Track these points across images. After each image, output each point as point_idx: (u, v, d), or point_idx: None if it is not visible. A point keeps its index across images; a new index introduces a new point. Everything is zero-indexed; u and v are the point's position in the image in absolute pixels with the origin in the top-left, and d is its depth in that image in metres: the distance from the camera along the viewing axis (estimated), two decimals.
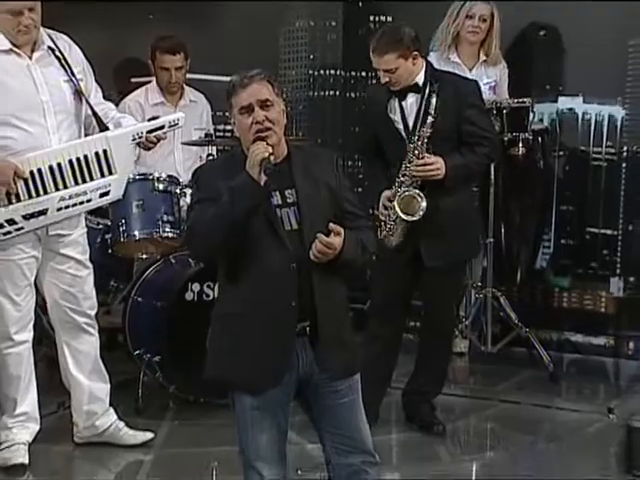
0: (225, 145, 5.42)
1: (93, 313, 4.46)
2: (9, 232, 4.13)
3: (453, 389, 5.35)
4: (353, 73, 6.80)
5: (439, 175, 4.52)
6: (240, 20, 6.57)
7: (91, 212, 4.68)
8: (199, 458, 4.34)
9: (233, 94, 3.34)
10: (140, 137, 4.31)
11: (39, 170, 4.14)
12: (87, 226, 4.52)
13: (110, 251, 5.21)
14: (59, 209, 4.18)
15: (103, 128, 4.31)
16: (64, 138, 4.23)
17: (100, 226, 5.21)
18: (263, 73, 3.35)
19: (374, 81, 4.60)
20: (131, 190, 4.88)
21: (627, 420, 5.03)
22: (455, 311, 5.20)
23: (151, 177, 5.15)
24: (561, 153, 6.28)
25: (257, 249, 3.29)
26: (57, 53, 4.27)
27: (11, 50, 4.17)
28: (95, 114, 4.33)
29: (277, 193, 3.34)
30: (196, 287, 4.91)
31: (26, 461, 4.26)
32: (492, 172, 5.71)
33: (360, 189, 5.89)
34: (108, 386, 4.51)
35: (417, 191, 4.52)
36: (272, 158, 3.25)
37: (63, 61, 4.28)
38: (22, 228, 4.14)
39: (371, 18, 6.77)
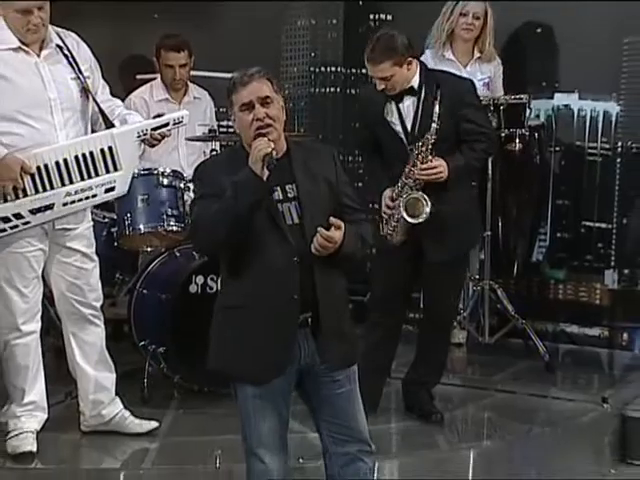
0: (228, 141, 5.42)
1: (99, 305, 4.46)
2: (16, 226, 4.14)
3: (451, 379, 5.36)
4: (353, 70, 6.81)
5: (442, 178, 4.53)
6: (243, 18, 6.58)
7: (97, 206, 4.68)
8: (203, 446, 4.34)
9: (234, 92, 3.35)
10: (145, 134, 4.31)
11: (46, 166, 4.14)
12: (93, 220, 4.52)
13: (116, 244, 5.22)
14: (65, 204, 4.19)
15: (109, 125, 4.32)
16: (71, 134, 4.24)
17: (106, 220, 5.22)
18: (263, 71, 3.36)
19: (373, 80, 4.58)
20: (136, 185, 4.89)
21: (621, 409, 5.06)
22: (455, 304, 5.19)
23: (156, 172, 5.16)
24: (557, 148, 6.29)
25: (259, 243, 3.30)
26: (65, 51, 4.27)
27: (20, 48, 4.17)
28: (101, 111, 4.34)
29: (278, 188, 3.36)
30: (200, 280, 4.92)
31: (34, 449, 4.26)
32: (489, 167, 5.71)
33: (360, 184, 5.90)
34: (114, 376, 4.51)
35: (423, 195, 4.52)
36: (274, 154, 3.27)
37: (71, 59, 4.27)
38: (29, 222, 4.15)
39: (371, 17, 6.78)
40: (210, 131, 5.38)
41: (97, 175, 4.23)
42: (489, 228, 5.83)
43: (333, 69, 6.90)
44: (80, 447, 4.47)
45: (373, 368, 4.56)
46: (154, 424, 4.54)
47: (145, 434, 4.49)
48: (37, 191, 4.14)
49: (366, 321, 4.82)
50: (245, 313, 3.33)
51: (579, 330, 6.25)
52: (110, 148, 4.24)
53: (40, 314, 4.35)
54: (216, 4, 6.53)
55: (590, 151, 6.22)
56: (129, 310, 5.19)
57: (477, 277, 5.98)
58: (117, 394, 4.52)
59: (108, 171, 4.25)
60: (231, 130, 5.26)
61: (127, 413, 4.53)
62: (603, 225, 6.23)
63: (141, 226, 5.12)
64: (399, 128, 4.62)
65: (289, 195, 3.36)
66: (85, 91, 4.31)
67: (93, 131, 4.37)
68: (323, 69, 6.91)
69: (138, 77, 6.17)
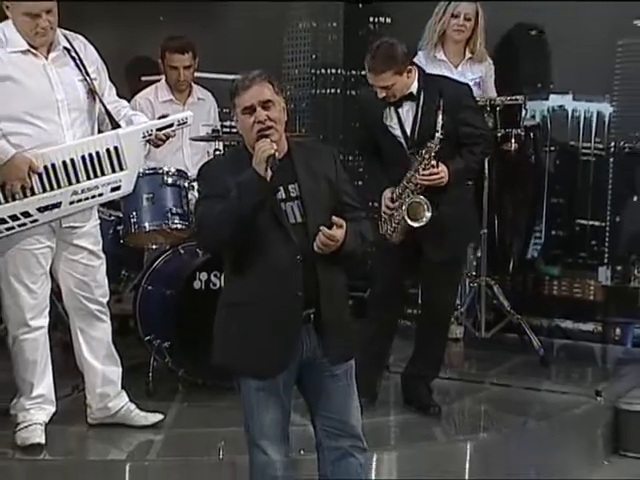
0: (231, 141, 5.42)
1: (105, 301, 4.46)
2: (24, 224, 4.15)
3: (449, 373, 5.36)
4: (353, 72, 6.81)
5: (444, 182, 4.55)
6: (246, 19, 6.57)
7: (103, 204, 4.69)
8: (207, 438, 4.35)
9: (236, 95, 3.37)
10: (150, 134, 4.31)
11: (53, 165, 4.15)
12: (100, 218, 4.53)
13: (122, 242, 5.21)
14: (72, 202, 4.19)
15: (115, 125, 4.32)
16: (78, 135, 4.24)
17: (112, 218, 5.22)
18: (264, 74, 3.37)
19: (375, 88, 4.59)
20: (142, 184, 4.90)
21: (614, 402, 5.08)
22: (452, 301, 5.20)
23: (160, 171, 5.16)
24: (552, 148, 6.28)
25: (263, 242, 3.31)
26: (72, 53, 4.27)
27: (28, 51, 4.17)
28: (108, 112, 4.34)
29: (281, 188, 3.36)
30: (203, 276, 4.93)
31: (43, 441, 4.27)
32: (486, 167, 5.71)
33: (360, 182, 5.91)
34: (120, 370, 4.52)
35: (425, 199, 4.53)
36: (277, 154, 3.28)
37: (78, 61, 4.27)
38: (37, 220, 4.15)
39: (370, 20, 6.78)
40: (213, 131, 5.38)
41: (103, 174, 4.23)
42: (486, 226, 5.83)
43: (333, 71, 6.90)
44: (87, 439, 4.48)
45: (370, 361, 4.58)
46: (159, 417, 4.54)
47: (150, 426, 4.50)
48: (45, 190, 4.14)
49: (366, 317, 4.83)
50: (249, 310, 3.33)
51: (573, 325, 6.25)
52: (116, 148, 4.25)
53: (48, 310, 4.35)
54: (220, 6, 6.52)
55: (584, 151, 6.21)
56: (135, 306, 5.20)
57: (474, 274, 5.99)
58: (123, 387, 4.52)
59: (114, 170, 4.25)
60: (234, 130, 5.25)
61: (133, 406, 4.53)
62: (596, 223, 6.22)
63: (146, 224, 5.12)
64: (398, 132, 4.63)
65: (292, 194, 3.37)
66: (92, 92, 4.31)
67: (100, 131, 4.38)
68: (324, 71, 6.91)
69: (143, 79, 6.18)
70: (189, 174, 5.27)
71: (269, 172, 3.26)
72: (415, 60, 4.81)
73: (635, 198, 6.14)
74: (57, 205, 4.17)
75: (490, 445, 4.60)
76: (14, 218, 4.12)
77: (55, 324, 4.80)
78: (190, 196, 5.16)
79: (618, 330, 6.15)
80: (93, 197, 4.24)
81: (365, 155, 5.04)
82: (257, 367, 3.34)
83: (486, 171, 5.73)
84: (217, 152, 5.32)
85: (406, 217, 4.55)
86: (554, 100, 6.25)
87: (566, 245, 6.35)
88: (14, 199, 4.11)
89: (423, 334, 4.91)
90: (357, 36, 6.79)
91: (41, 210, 4.15)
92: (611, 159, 6.17)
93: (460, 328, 6.05)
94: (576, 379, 5.56)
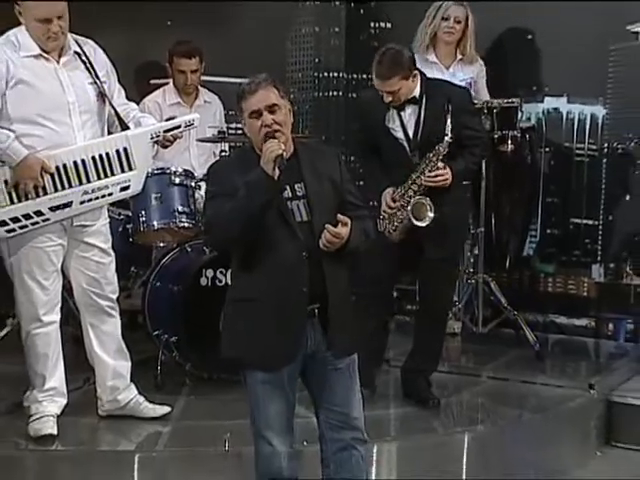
0: (237, 142, 5.43)
1: (115, 297, 4.47)
2: (37, 222, 4.16)
3: (447, 367, 5.36)
4: (355, 75, 6.81)
5: (447, 184, 4.56)
6: (251, 25, 6.57)
7: (113, 203, 4.68)
8: (213, 430, 4.34)
9: (243, 99, 3.37)
10: (158, 136, 4.32)
11: (64, 165, 4.15)
12: (109, 217, 4.53)
13: (131, 240, 5.22)
14: (82, 202, 4.20)
15: (124, 127, 4.32)
16: (88, 136, 4.25)
17: (121, 217, 5.22)
18: (269, 78, 3.37)
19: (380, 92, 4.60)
20: (150, 183, 4.90)
21: (607, 395, 5.08)
22: (450, 297, 5.21)
23: (168, 171, 5.16)
24: (547, 149, 6.30)
25: (270, 240, 3.32)
26: (83, 57, 4.27)
27: (40, 55, 4.18)
28: (117, 114, 4.35)
29: (287, 187, 3.37)
30: (210, 273, 4.92)
31: (55, 432, 4.27)
32: (484, 167, 5.72)
33: (362, 182, 5.91)
34: (129, 364, 4.52)
35: (428, 200, 4.54)
36: (284, 154, 3.29)
37: (88, 65, 4.28)
38: (48, 219, 4.16)
39: (371, 24, 6.79)
40: (219, 132, 5.38)
41: (113, 174, 4.24)
42: (483, 225, 5.84)
43: (336, 74, 6.91)
44: (97, 430, 4.48)
45: (368, 355, 4.59)
46: (167, 409, 4.55)
47: (158, 418, 4.50)
48: (56, 189, 4.15)
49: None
50: (257, 305, 3.34)
51: (567, 321, 6.26)
52: (125, 149, 4.25)
53: (60, 305, 4.36)
54: (227, 10, 6.53)
55: (578, 152, 6.22)
56: (143, 302, 5.20)
57: (472, 271, 6.00)
58: (132, 381, 4.53)
59: (123, 171, 4.26)
60: (239, 132, 5.26)
61: (141, 398, 4.54)
62: (590, 222, 6.24)
63: (154, 223, 5.12)
64: (400, 135, 4.63)
65: (298, 193, 3.38)
66: (102, 95, 4.31)
67: (109, 133, 4.39)
68: (326, 74, 6.92)
69: (152, 82, 6.17)
70: (196, 174, 5.28)
71: (277, 171, 3.27)
72: None
73: (627, 197, 6.15)
74: (68, 204, 4.18)
75: (487, 437, 4.60)
76: (27, 217, 4.14)
77: (67, 319, 4.80)
78: (197, 195, 5.17)
79: (611, 325, 6.16)
80: (103, 196, 4.25)
81: (364, 156, 5.04)
82: (263, 360, 3.35)
83: (483, 171, 5.75)
84: (223, 153, 5.34)
85: (411, 216, 4.56)
86: (549, 102, 6.26)
87: (561, 243, 6.36)
88: (27, 198, 4.12)
89: (421, 329, 4.91)
90: (358, 40, 6.80)
91: (53, 209, 4.16)
92: (604, 160, 6.19)
93: (458, 323, 6.06)
94: (570, 373, 5.57)
